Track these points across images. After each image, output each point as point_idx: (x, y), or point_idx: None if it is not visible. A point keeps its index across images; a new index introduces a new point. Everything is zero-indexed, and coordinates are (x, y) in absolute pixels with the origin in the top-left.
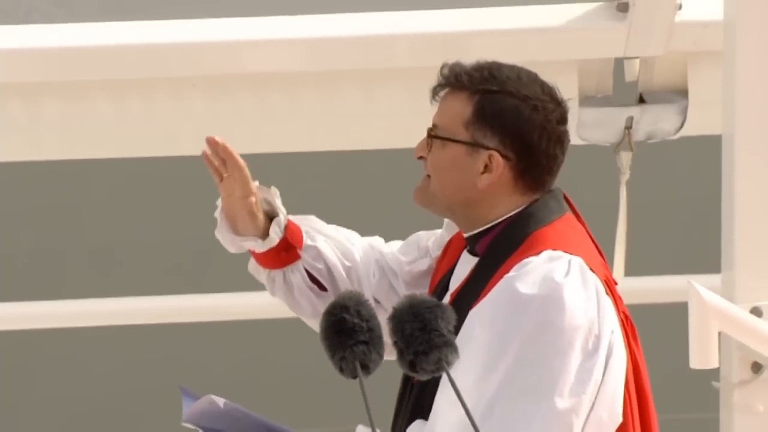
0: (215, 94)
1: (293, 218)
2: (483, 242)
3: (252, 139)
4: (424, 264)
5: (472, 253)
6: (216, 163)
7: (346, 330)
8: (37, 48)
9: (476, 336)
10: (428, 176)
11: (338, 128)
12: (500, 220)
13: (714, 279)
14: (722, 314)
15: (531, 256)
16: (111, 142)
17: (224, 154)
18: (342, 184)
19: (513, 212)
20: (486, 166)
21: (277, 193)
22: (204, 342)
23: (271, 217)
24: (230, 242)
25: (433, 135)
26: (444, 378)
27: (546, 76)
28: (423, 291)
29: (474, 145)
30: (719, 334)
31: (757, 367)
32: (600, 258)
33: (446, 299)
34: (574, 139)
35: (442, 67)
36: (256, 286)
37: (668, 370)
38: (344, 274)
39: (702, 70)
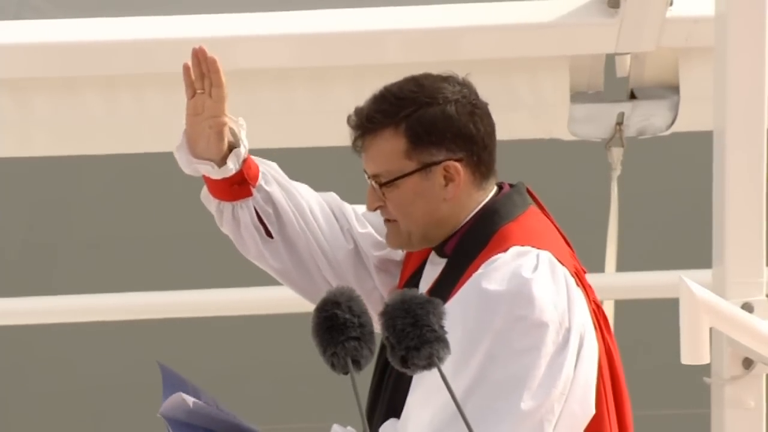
0: None
1: (255, 158)
2: (450, 243)
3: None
4: (397, 255)
5: (440, 254)
6: (194, 76)
7: (337, 326)
8: (28, 44)
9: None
10: (389, 221)
11: (329, 124)
12: (466, 220)
13: (705, 274)
14: (713, 310)
15: (499, 252)
16: (102, 138)
17: (211, 68)
18: (333, 179)
19: (476, 209)
20: (445, 177)
21: (244, 125)
22: (195, 338)
23: (233, 149)
24: (186, 163)
25: (383, 183)
26: (416, 377)
27: (537, 71)
28: (394, 277)
29: (425, 168)
30: (710, 329)
31: (748, 363)
32: (568, 249)
33: None
34: (566, 134)
35: (348, 119)
36: (248, 282)
37: (659, 365)
38: (296, 225)
39: (693, 65)
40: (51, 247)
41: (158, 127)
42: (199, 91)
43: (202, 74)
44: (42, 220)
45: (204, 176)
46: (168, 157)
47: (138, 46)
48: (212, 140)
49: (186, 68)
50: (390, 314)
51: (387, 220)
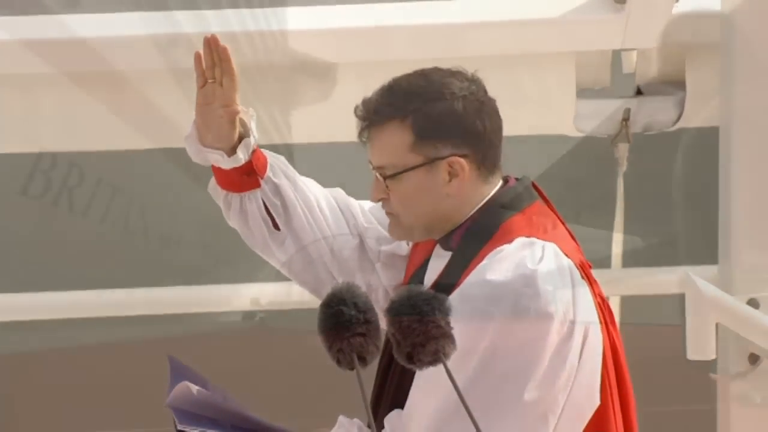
0: None
1: (263, 150)
2: (455, 236)
3: None
4: (402, 250)
5: (445, 247)
6: (205, 65)
7: (343, 322)
8: (35, 39)
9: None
10: (391, 213)
11: (335, 120)
12: (471, 213)
13: (711, 270)
14: (720, 306)
15: (504, 244)
16: (107, 134)
17: (223, 56)
18: (338, 175)
19: (481, 203)
20: (449, 173)
21: (254, 115)
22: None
23: (242, 139)
24: (196, 152)
25: (387, 176)
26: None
27: (543, 67)
28: (399, 272)
29: (430, 162)
30: (717, 325)
31: (754, 359)
32: (573, 242)
33: None
34: (572, 130)
35: (356, 109)
36: (252, 277)
37: (666, 361)
38: (303, 219)
39: (699, 61)
40: (57, 242)
41: (165, 122)
42: (210, 81)
43: (213, 63)
44: (49, 216)
45: (213, 167)
46: (174, 152)
47: (144, 42)
48: (224, 128)
49: (197, 57)
50: (395, 310)
51: (389, 213)
